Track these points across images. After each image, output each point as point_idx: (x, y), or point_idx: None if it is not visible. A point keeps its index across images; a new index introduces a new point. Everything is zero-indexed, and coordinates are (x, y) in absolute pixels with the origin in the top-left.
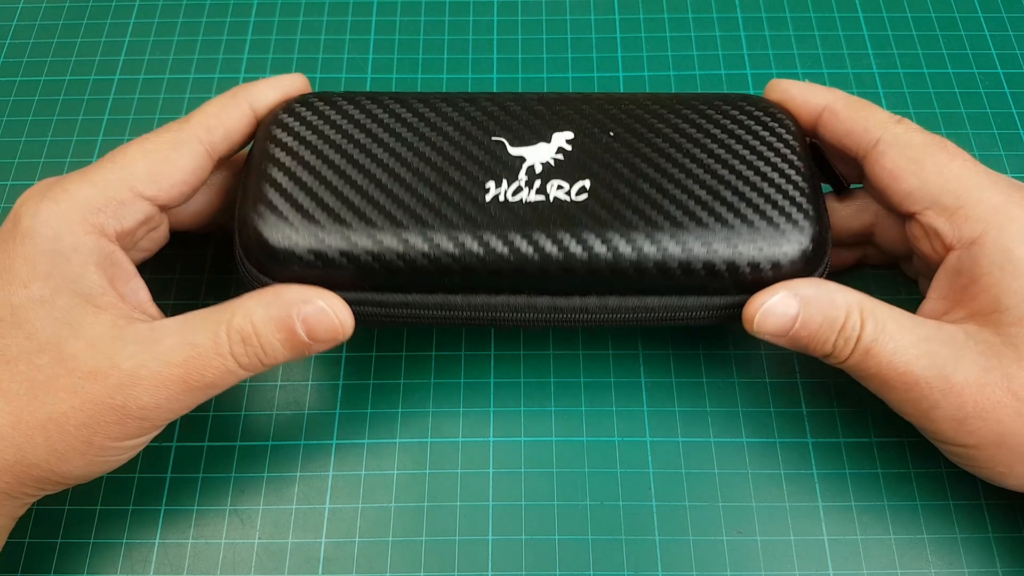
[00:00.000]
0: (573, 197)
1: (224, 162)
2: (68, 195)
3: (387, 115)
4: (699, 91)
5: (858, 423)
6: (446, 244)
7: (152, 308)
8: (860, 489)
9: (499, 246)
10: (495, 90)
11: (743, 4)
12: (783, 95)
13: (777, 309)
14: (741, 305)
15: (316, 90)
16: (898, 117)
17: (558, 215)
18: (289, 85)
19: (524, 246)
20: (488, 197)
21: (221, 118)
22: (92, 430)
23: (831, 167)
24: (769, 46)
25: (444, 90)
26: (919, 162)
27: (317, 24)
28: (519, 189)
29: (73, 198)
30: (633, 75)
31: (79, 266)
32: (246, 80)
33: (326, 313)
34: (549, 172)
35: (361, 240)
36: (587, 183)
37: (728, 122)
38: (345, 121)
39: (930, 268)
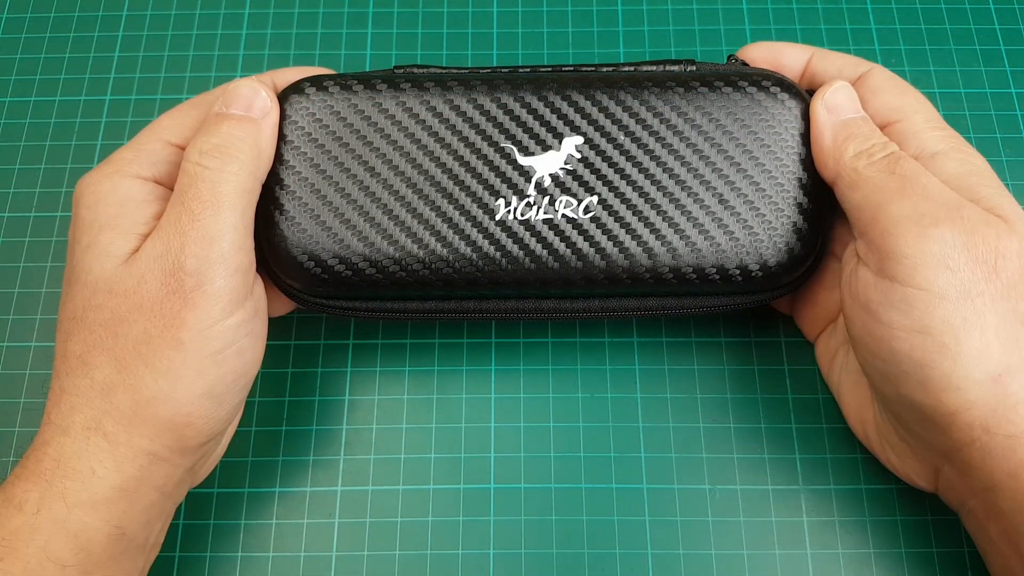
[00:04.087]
0: (580, 215)
1: None
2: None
3: (396, 110)
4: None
5: None
6: (455, 263)
7: None
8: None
9: (505, 263)
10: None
11: None
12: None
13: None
14: (734, 304)
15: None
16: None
17: (563, 231)
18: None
19: (528, 263)
20: (498, 217)
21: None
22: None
23: None
24: (771, 20)
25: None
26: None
27: (313, 16)
28: (528, 207)
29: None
30: (635, 51)
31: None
32: (245, 57)
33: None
34: (558, 185)
35: (367, 254)
36: (593, 200)
37: (739, 111)
38: (356, 115)
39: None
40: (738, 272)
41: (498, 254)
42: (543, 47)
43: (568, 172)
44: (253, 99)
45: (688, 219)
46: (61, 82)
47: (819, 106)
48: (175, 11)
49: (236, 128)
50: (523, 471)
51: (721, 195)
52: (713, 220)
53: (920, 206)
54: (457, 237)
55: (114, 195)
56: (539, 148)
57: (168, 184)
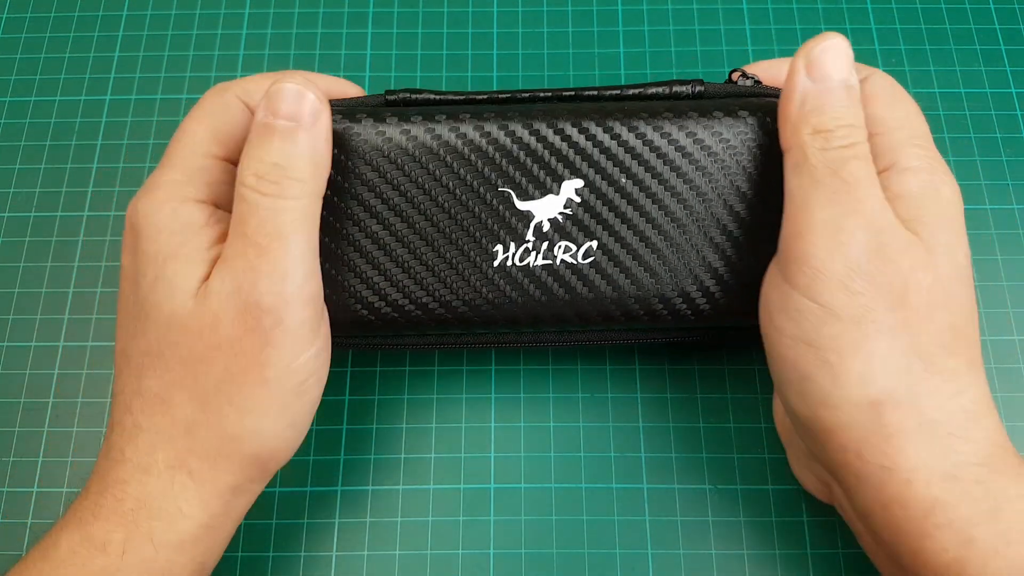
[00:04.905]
0: (579, 260)
1: None
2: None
3: (389, 150)
4: (703, 72)
5: None
6: (453, 306)
7: None
8: None
9: (504, 306)
10: (495, 70)
11: None
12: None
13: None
14: (708, 333)
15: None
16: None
17: (562, 277)
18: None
19: (523, 303)
20: (496, 263)
21: (262, 84)
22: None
23: None
24: (771, 20)
25: (444, 70)
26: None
27: (313, 16)
28: (527, 252)
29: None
30: (634, 51)
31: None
32: (245, 57)
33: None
34: (557, 230)
35: (361, 294)
36: (593, 244)
37: (744, 151)
38: (366, 146)
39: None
40: (709, 307)
41: (496, 299)
42: (543, 47)
43: (567, 217)
44: (301, 103)
45: (684, 263)
46: (61, 82)
47: (799, 63)
48: (175, 11)
49: (289, 143)
50: (523, 471)
51: (712, 238)
52: (704, 265)
53: (844, 219)
54: (456, 282)
55: (175, 223)
56: (538, 192)
57: (222, 202)
